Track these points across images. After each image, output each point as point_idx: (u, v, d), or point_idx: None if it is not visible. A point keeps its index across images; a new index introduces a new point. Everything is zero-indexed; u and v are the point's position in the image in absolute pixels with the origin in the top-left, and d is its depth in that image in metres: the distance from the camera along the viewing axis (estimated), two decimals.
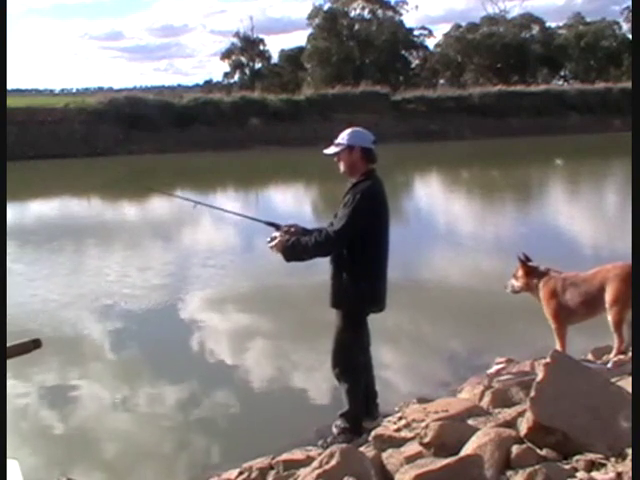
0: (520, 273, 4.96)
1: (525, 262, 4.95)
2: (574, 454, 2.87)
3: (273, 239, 4.30)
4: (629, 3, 49.04)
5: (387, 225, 4.36)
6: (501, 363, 5.35)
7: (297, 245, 4.20)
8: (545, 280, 4.82)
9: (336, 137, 4.42)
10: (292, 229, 4.39)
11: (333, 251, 4.22)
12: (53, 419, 5.34)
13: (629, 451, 2.67)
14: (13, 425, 4.97)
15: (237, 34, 56.27)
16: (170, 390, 5.76)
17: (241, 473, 3.90)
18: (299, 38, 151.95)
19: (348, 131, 4.35)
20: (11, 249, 11.35)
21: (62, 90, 77.00)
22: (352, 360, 4.30)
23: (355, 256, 4.19)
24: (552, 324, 4.82)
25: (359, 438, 4.17)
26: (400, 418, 4.11)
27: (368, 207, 4.16)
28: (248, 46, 56.20)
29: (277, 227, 4.43)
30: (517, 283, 5.02)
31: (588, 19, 56.04)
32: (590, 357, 5.09)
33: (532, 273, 4.91)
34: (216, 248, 11.89)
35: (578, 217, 14.40)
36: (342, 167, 4.32)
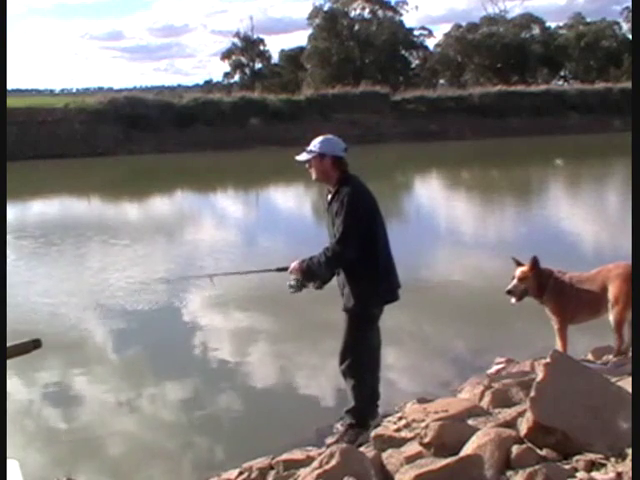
0: (530, 275, 4.75)
1: (536, 263, 4.78)
2: (574, 454, 2.86)
3: (282, 269, 4.45)
4: (629, 3, 49.05)
5: (382, 222, 4.39)
6: (501, 363, 5.35)
7: (312, 265, 4.26)
8: (554, 280, 4.76)
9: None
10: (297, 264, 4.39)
11: (345, 260, 4.25)
12: (56, 420, 5.34)
13: (629, 451, 2.67)
14: (16, 426, 4.97)
15: (237, 34, 56.35)
16: (171, 390, 5.77)
17: (241, 473, 3.90)
18: (299, 38, 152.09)
19: (320, 139, 4.37)
20: (11, 249, 11.35)
21: (62, 90, 77.24)
22: (358, 357, 4.35)
23: (357, 256, 4.23)
24: (555, 324, 4.78)
25: (366, 432, 4.20)
26: (400, 418, 4.10)
27: (359, 207, 4.21)
28: (248, 46, 56.22)
29: (285, 269, 4.46)
30: (524, 285, 4.75)
31: (588, 19, 56.11)
32: (590, 357, 5.09)
33: (541, 274, 4.77)
34: (218, 247, 11.89)
35: (578, 217, 14.40)
36: (314, 174, 4.36)
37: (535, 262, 4.77)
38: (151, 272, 9.97)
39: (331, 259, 4.19)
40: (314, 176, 4.38)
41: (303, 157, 4.35)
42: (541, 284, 4.75)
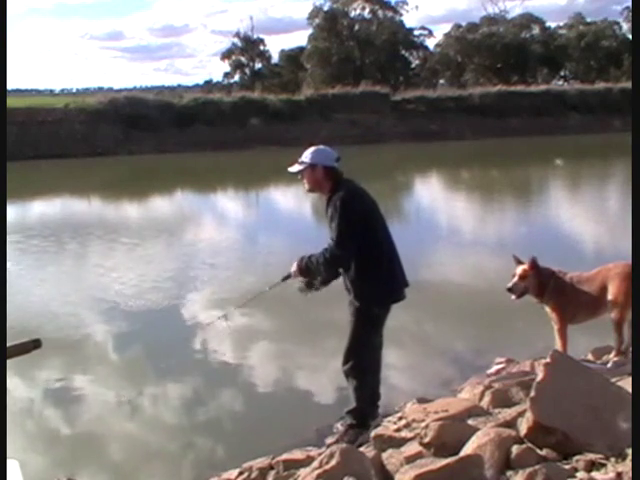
0: (530, 273, 4.75)
1: (536, 262, 4.79)
2: (574, 454, 2.86)
3: (287, 277, 4.50)
4: (629, 3, 49.01)
5: (383, 223, 4.42)
6: (501, 363, 5.35)
7: (311, 264, 4.33)
8: (556, 280, 4.75)
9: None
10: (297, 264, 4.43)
11: (342, 263, 4.31)
12: (57, 420, 5.33)
13: (629, 451, 2.67)
14: (17, 427, 4.98)
15: (237, 34, 56.31)
16: (172, 391, 5.76)
17: (241, 473, 3.90)
18: (300, 38, 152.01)
19: (311, 150, 4.43)
20: (11, 249, 11.35)
21: (62, 90, 77.23)
22: (361, 359, 4.38)
23: (357, 258, 4.27)
24: (555, 324, 4.78)
25: (366, 432, 4.21)
26: (400, 418, 4.11)
27: (352, 210, 4.24)
28: (248, 46, 56.18)
29: (288, 276, 4.52)
30: (524, 283, 4.75)
31: (588, 19, 56.11)
32: (590, 357, 5.09)
33: (541, 273, 4.77)
34: (218, 247, 11.89)
35: (579, 217, 14.40)
36: (306, 185, 4.45)
37: (534, 262, 4.77)
38: (152, 271, 9.99)
39: (329, 261, 4.25)
40: (307, 187, 4.46)
41: (295, 168, 4.43)
42: (541, 283, 4.75)
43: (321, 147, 4.50)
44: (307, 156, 4.38)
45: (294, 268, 4.41)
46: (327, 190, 4.35)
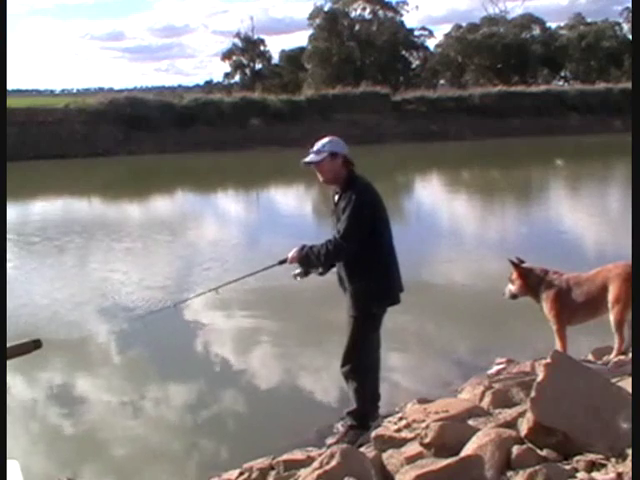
0: (515, 276, 4.85)
1: (519, 265, 4.86)
2: (574, 454, 2.86)
3: (283, 262, 4.45)
4: (630, 3, 48.94)
5: (388, 224, 4.41)
6: (501, 363, 5.35)
7: (311, 254, 4.28)
8: (548, 281, 4.78)
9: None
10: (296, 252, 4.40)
11: (345, 255, 4.27)
12: (60, 421, 5.33)
13: (629, 451, 2.67)
14: (20, 427, 4.98)
15: (238, 34, 56.29)
16: (173, 391, 5.76)
17: (242, 473, 3.89)
18: (300, 38, 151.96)
19: (326, 140, 4.35)
20: (11, 249, 11.35)
21: (63, 90, 77.36)
22: (360, 360, 4.36)
23: (360, 255, 4.25)
24: (553, 325, 4.79)
25: (367, 433, 4.20)
26: (400, 418, 4.10)
27: (366, 206, 4.22)
28: (249, 46, 56.17)
29: (284, 261, 4.47)
30: (514, 287, 4.90)
31: (589, 19, 56.11)
32: (591, 357, 5.08)
33: (530, 275, 4.83)
34: (219, 248, 11.89)
35: (579, 217, 14.39)
36: (324, 175, 4.33)
37: (515, 265, 4.85)
38: (153, 271, 9.98)
39: (332, 252, 4.20)
40: (324, 178, 4.34)
41: (316, 158, 4.29)
42: (530, 285, 4.80)
43: (334, 137, 4.41)
44: (325, 145, 4.29)
45: (292, 254, 4.36)
46: (343, 179, 4.29)
